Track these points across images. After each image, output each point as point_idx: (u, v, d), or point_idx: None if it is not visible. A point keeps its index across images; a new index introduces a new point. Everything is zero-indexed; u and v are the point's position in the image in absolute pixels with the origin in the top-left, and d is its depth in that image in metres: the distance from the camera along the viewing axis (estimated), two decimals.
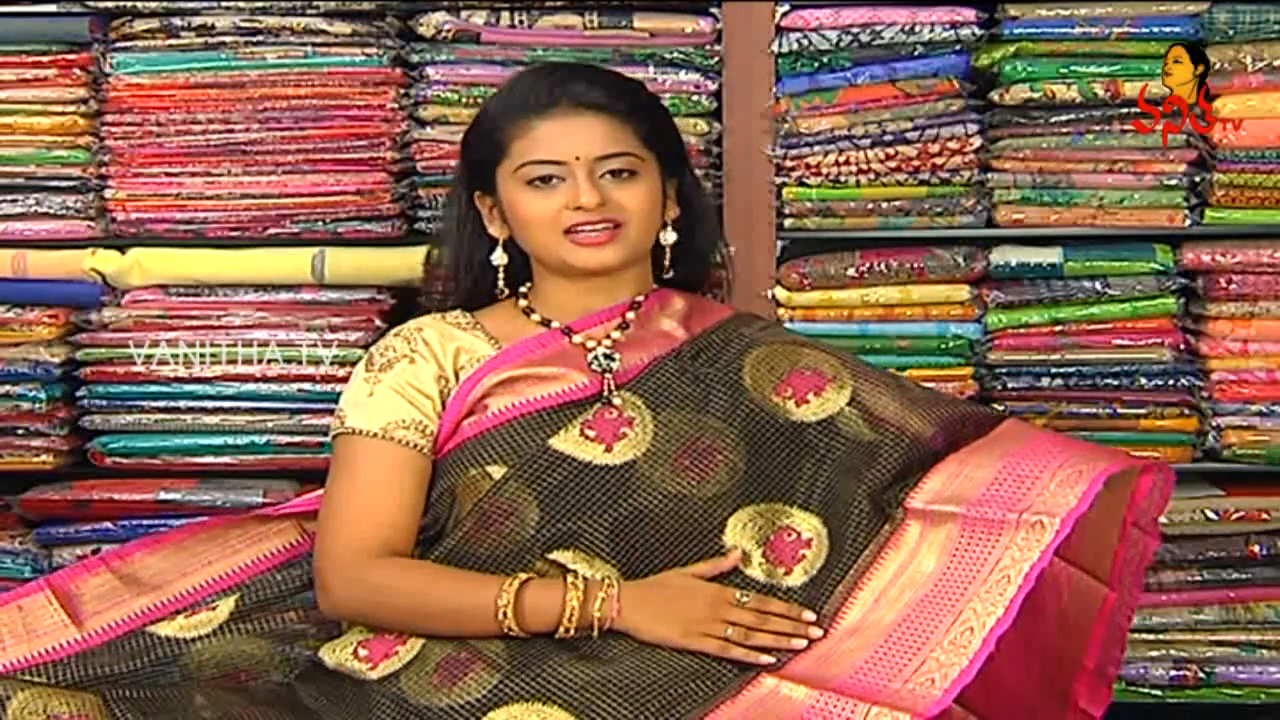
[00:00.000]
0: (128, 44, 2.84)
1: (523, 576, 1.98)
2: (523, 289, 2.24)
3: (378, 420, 2.11)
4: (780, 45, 2.81)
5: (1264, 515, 2.84)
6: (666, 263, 2.25)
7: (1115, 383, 2.86)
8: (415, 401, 2.12)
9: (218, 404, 2.87)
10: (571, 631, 1.95)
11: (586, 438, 2.08)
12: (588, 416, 2.10)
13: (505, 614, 1.95)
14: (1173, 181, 2.83)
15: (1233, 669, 2.88)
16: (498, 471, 2.07)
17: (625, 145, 2.14)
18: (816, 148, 2.84)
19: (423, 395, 2.13)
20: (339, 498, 2.11)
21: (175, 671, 2.03)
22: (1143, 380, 2.86)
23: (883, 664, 1.87)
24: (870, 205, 2.86)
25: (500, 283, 2.23)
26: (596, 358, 2.15)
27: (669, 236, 2.23)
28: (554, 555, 2.02)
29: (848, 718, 1.79)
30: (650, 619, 1.94)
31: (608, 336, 2.18)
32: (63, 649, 2.04)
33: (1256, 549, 2.85)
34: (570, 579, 1.97)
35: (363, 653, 2.00)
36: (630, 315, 2.20)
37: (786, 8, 2.81)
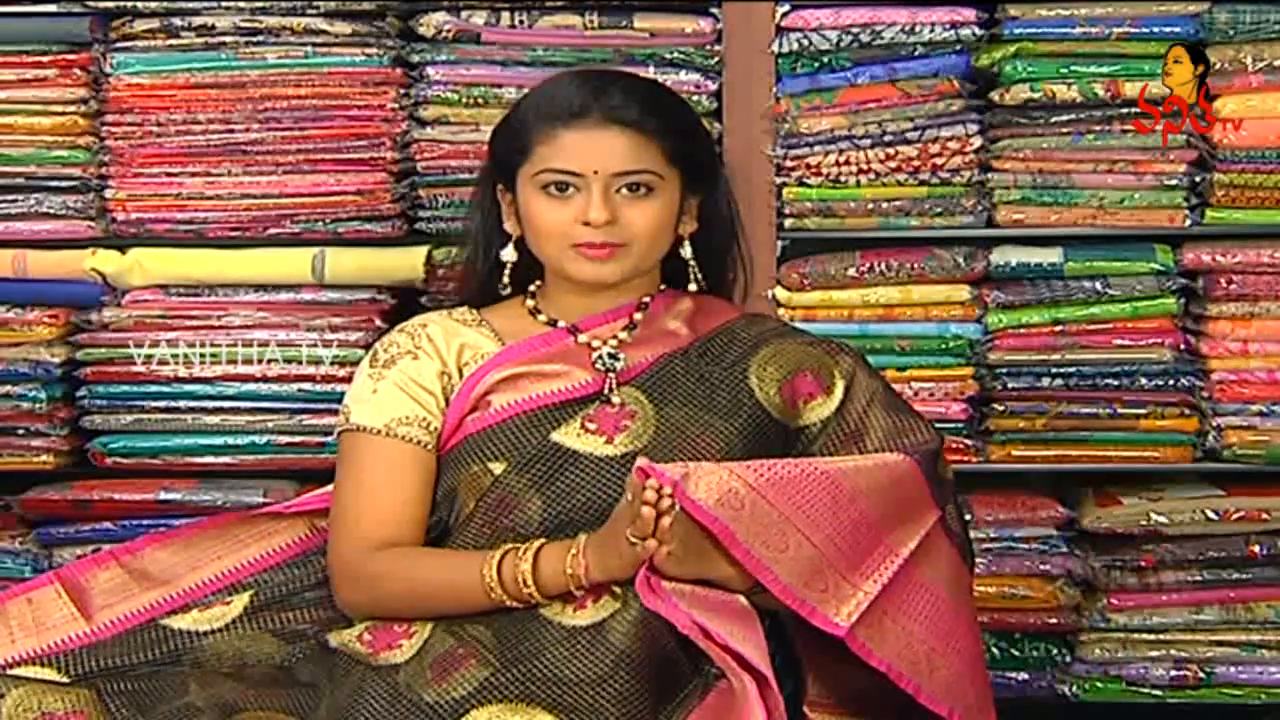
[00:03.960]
0: (128, 44, 2.84)
1: (505, 548, 1.98)
2: (531, 288, 2.24)
3: (381, 417, 2.11)
4: (780, 45, 2.81)
5: (1264, 515, 2.83)
6: (696, 274, 2.22)
7: (1115, 383, 2.86)
8: (418, 398, 2.12)
9: (218, 404, 2.87)
10: (548, 597, 1.94)
11: (587, 430, 2.08)
12: (588, 411, 2.10)
13: (491, 586, 1.95)
14: (1173, 181, 2.83)
15: (1233, 669, 2.88)
16: (498, 468, 2.07)
17: (646, 164, 2.11)
18: (817, 148, 2.84)
19: (425, 391, 2.12)
20: (345, 496, 2.11)
21: (186, 666, 2.03)
22: (1143, 380, 2.86)
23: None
24: (870, 205, 2.86)
25: (506, 279, 2.22)
26: (601, 357, 2.14)
27: (687, 251, 2.22)
28: None
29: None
30: (616, 565, 1.92)
31: (614, 336, 2.17)
32: (72, 641, 2.04)
33: (1256, 549, 2.85)
34: (535, 544, 1.97)
35: (367, 637, 2.00)
36: (638, 316, 2.20)
37: (786, 8, 2.81)
